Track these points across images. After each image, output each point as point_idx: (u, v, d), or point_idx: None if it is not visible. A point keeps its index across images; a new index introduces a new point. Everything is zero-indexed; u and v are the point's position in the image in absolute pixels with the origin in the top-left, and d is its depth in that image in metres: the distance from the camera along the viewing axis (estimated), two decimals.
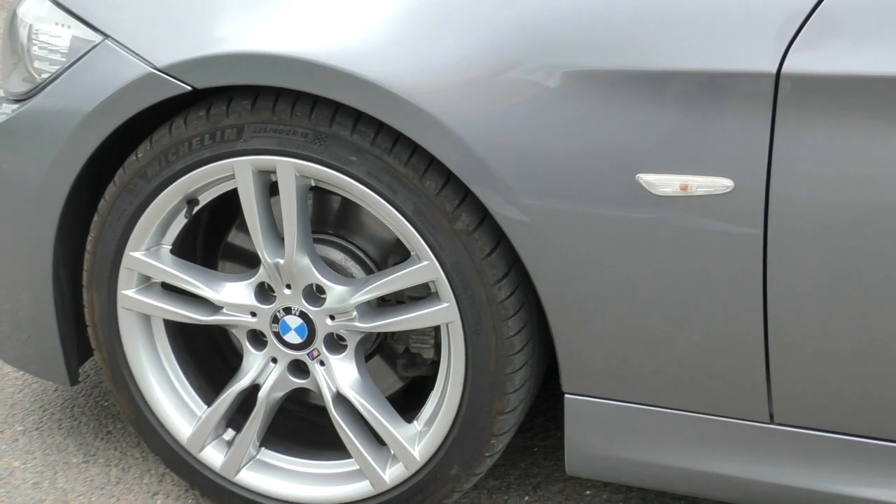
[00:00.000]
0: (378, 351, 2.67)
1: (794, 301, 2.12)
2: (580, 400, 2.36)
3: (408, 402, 2.63)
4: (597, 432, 2.38)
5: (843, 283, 2.09)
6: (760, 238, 2.09)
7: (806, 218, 2.06)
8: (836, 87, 1.99)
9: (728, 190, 2.07)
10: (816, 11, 2.00)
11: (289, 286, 2.46)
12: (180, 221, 2.51)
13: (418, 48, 2.19)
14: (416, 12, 2.21)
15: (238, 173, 2.37)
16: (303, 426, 2.79)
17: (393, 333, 2.60)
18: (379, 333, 2.58)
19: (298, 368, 2.56)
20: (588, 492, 2.80)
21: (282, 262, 2.42)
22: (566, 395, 2.36)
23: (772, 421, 2.25)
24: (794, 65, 1.99)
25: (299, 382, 2.57)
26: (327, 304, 2.44)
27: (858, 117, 1.99)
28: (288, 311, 2.48)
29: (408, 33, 2.20)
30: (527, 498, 2.78)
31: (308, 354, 2.52)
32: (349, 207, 2.56)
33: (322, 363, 2.51)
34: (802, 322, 2.14)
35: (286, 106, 2.30)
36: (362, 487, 2.58)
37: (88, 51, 2.44)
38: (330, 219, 2.59)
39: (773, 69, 2.00)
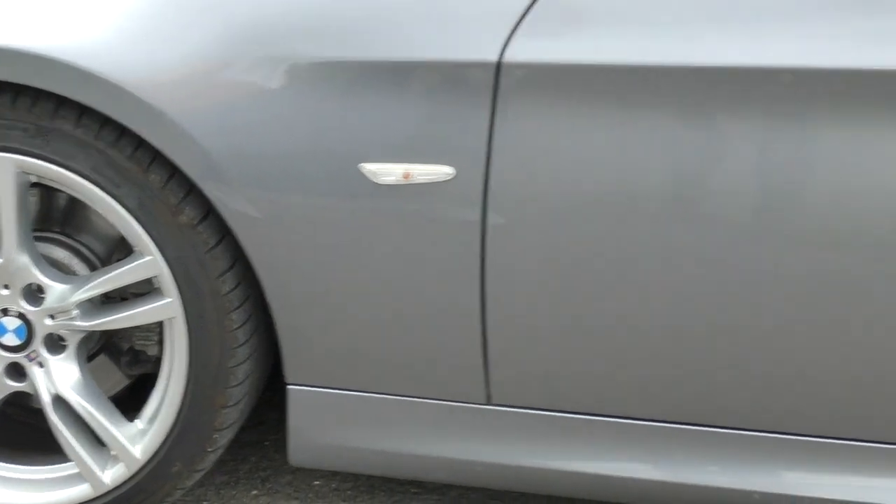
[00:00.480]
0: (104, 349, 2.63)
1: (511, 285, 2.19)
2: (302, 390, 2.38)
3: (136, 401, 2.61)
4: (319, 421, 2.40)
5: (558, 268, 2.16)
6: (479, 224, 2.14)
7: (524, 204, 2.13)
8: (555, 76, 2.06)
9: (449, 177, 2.12)
10: (539, 1, 2.07)
11: (6, 286, 2.40)
12: None
13: (144, 42, 2.19)
14: (144, 5, 2.21)
15: None
16: (23, 431, 2.71)
17: (118, 331, 2.57)
18: (103, 332, 2.55)
19: (17, 371, 2.49)
20: (317, 482, 2.81)
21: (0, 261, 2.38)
22: (289, 386, 2.38)
23: (489, 402, 2.31)
24: (514, 54, 2.06)
25: (16, 386, 2.50)
26: (47, 303, 2.40)
27: (576, 106, 2.06)
28: (5, 312, 2.43)
29: (135, 27, 2.20)
30: (255, 492, 2.78)
31: (26, 356, 2.46)
32: (76, 204, 2.51)
33: (41, 364, 2.46)
34: (519, 306, 2.20)
35: (6, 99, 2.26)
36: (82, 490, 2.53)
37: None
38: (55, 216, 2.54)
39: (495, 59, 2.06)
